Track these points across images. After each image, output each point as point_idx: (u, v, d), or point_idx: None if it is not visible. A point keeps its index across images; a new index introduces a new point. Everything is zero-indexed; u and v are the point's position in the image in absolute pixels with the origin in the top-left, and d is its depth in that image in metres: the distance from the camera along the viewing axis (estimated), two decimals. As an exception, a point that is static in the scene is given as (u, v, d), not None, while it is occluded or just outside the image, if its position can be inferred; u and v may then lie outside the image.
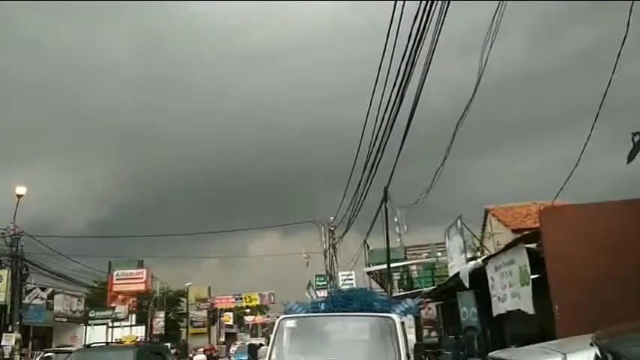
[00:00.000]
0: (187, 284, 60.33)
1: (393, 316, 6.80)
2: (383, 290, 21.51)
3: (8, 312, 26.81)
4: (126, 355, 11.14)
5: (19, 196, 26.69)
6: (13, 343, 25.79)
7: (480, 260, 11.59)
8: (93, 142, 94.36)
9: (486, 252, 15.51)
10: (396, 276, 24.98)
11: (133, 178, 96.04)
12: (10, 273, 27.01)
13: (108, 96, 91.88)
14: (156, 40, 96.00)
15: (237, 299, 63.83)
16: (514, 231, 19.04)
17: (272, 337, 7.16)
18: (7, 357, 25.38)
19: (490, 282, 10.42)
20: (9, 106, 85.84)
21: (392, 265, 20.54)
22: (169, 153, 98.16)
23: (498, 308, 10.08)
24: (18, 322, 26.91)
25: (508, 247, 9.43)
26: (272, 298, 62.97)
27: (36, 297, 30.56)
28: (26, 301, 28.57)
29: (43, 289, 31.47)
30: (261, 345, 29.91)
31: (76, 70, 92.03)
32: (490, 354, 6.94)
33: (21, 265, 27.50)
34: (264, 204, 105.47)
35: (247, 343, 37.50)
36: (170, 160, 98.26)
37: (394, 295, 18.53)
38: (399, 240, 21.84)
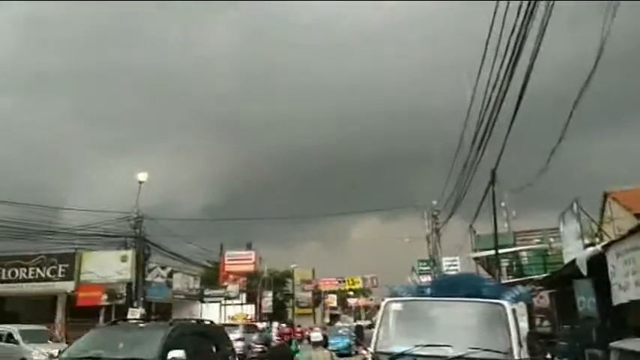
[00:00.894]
0: (293, 266, 62.32)
1: (504, 302, 6.55)
2: (490, 277, 20.77)
3: (133, 289, 29.39)
4: (154, 334, 8.65)
5: (141, 182, 28.98)
6: (138, 316, 28.21)
7: (599, 246, 10.75)
8: (206, 130, 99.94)
9: (606, 238, 14.38)
10: (504, 262, 23.97)
11: (242, 164, 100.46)
12: (134, 253, 29.58)
13: (218, 85, 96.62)
14: (256, 31, 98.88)
15: (340, 282, 64.90)
16: (637, 215, 17.49)
17: (378, 319, 7.18)
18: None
19: (610, 269, 9.64)
20: (133, 99, 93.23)
21: (500, 250, 19.74)
22: (276, 139, 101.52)
23: (619, 297, 9.30)
24: (142, 298, 29.38)
25: (632, 232, 8.66)
26: (375, 281, 63.24)
27: (157, 275, 33.05)
28: (149, 279, 30.99)
29: (163, 268, 33.94)
30: (369, 326, 30.33)
31: (191, 64, 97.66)
32: (612, 344, 6.47)
33: (144, 245, 29.94)
34: (366, 188, 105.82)
35: (354, 325, 37.76)
36: (277, 146, 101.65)
37: (502, 282, 17.83)
38: (506, 225, 20.95)
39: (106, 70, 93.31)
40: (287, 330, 41.20)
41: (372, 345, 6.76)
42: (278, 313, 54.26)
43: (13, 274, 29.99)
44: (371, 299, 78.94)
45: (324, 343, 9.53)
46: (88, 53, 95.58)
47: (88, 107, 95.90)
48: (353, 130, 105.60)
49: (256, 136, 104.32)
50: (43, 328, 23.02)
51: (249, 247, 49.44)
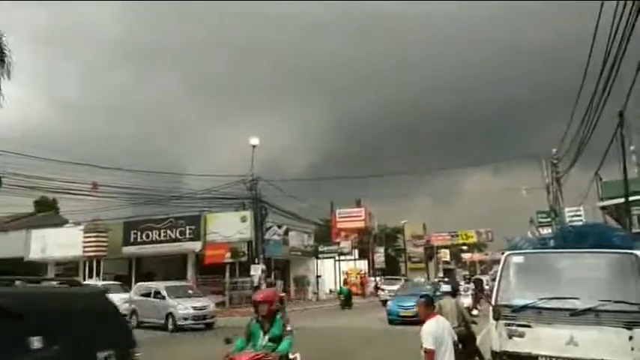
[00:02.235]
0: (403, 222, 62.23)
1: (637, 252, 6.09)
2: (621, 227, 19.26)
3: (254, 247, 31.17)
4: None
5: (254, 146, 30.31)
6: (259, 272, 29.99)
7: None
8: (313, 93, 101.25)
9: None
10: (635, 211, 22.06)
11: (348, 123, 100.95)
12: (252, 213, 31.22)
13: (321, 51, 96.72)
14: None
15: (452, 236, 63.83)
16: None
17: (498, 273, 7.01)
18: (256, 284, 29.69)
19: None
20: (247, 69, 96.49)
21: (631, 198, 18.16)
22: (385, 96, 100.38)
23: None
24: (262, 256, 31.12)
25: None
26: (489, 235, 61.37)
27: (274, 234, 34.63)
28: (266, 237, 32.63)
29: (279, 227, 35.50)
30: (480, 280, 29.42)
31: (294, 34, 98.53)
32: None
33: (260, 206, 31.48)
34: (474, 141, 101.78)
35: (475, 277, 36.68)
36: (384, 103, 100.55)
37: (634, 232, 16.50)
38: (637, 170, 19.21)
39: (213, 43, 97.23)
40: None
41: (493, 298, 6.65)
42: (390, 268, 54.77)
43: (147, 236, 32.99)
44: (486, 254, 76.88)
45: (453, 293, 9.96)
46: (199, 28, 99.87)
47: (199, 80, 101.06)
48: (461, 80, 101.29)
49: (369, 96, 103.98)
50: (185, 283, 24.69)
51: (358, 204, 50.03)
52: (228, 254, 30.57)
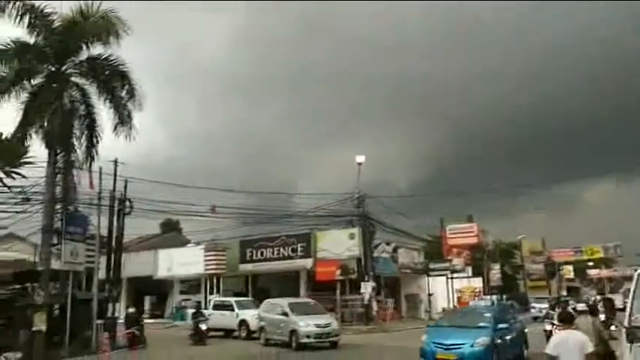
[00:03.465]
0: (520, 237, 59.01)
1: None
2: None
3: (363, 264, 31.21)
4: None
5: (360, 164, 30.59)
6: (369, 290, 29.91)
7: None
8: (410, 110, 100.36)
9: None
10: None
11: (454, 137, 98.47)
12: (360, 231, 31.37)
13: (421, 66, 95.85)
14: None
15: (576, 252, 59.37)
16: None
17: (631, 291, 6.48)
18: (366, 302, 29.64)
19: None
20: (345, 89, 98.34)
21: None
22: (489, 109, 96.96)
23: None
24: (372, 273, 31.06)
25: None
26: (618, 250, 56.32)
27: (383, 251, 34.51)
28: (375, 254, 32.55)
29: (387, 244, 35.29)
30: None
31: (382, 48, 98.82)
32: None
33: (368, 223, 31.56)
34: (589, 151, 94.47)
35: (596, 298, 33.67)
36: (489, 115, 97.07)
37: None
38: None
39: (309, 68, 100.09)
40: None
41: (626, 319, 6.14)
42: (507, 285, 52.02)
43: (261, 254, 34.42)
44: (615, 270, 70.43)
45: (591, 312, 9.47)
46: (292, 56, 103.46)
47: (302, 104, 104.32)
48: (570, 86, 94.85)
49: (460, 108, 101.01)
50: (309, 300, 24.13)
51: (469, 219, 48.29)
52: (339, 271, 30.87)
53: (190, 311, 26.82)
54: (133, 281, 36.62)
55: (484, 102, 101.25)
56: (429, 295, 39.34)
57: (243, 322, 23.77)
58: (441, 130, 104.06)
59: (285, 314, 19.70)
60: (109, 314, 21.55)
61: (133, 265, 34.52)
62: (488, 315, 13.98)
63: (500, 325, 12.99)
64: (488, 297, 38.75)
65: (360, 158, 30.78)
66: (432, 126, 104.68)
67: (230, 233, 35.72)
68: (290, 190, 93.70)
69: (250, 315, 23.30)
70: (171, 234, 47.93)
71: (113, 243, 23.76)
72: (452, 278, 40.94)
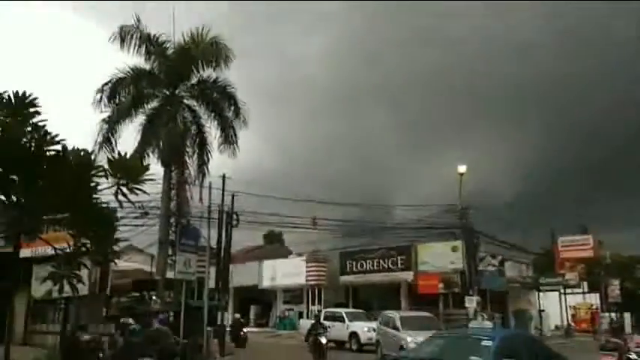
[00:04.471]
0: (643, 250, 54.05)
1: None
2: None
3: (467, 277, 30.16)
4: None
5: (461, 174, 29.72)
6: (474, 304, 28.81)
7: None
8: (509, 116, 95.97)
9: None
10: None
11: (553, 145, 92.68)
12: (463, 243, 30.39)
13: (529, 70, 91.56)
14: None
15: None
16: None
17: None
18: (471, 317, 28.54)
19: None
20: (448, 97, 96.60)
21: None
22: (614, 112, 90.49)
23: None
24: (476, 287, 29.91)
25: None
26: None
27: (488, 264, 33.13)
28: (480, 267, 31.32)
29: (493, 257, 33.84)
30: None
31: (483, 56, 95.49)
32: None
33: (472, 235, 30.52)
34: None
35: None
36: (613, 119, 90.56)
37: None
38: None
39: (409, 78, 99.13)
40: None
41: None
42: (630, 303, 47.69)
43: (361, 265, 34.47)
44: None
45: None
46: (393, 66, 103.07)
47: (399, 113, 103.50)
48: None
49: (574, 115, 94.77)
50: (425, 314, 21.37)
51: (584, 231, 45.12)
52: (441, 285, 30.11)
53: (302, 321, 27.03)
54: (239, 291, 38.19)
55: (606, 104, 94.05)
56: (540, 311, 37.10)
57: (353, 334, 23.69)
58: (551, 138, 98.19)
59: (395, 328, 18.46)
60: (219, 322, 22.64)
61: (240, 275, 36.08)
62: (487, 344, 8.43)
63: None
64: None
65: (462, 168, 29.90)
66: (544, 132, 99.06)
67: (330, 245, 36.23)
68: (389, 202, 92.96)
69: (360, 327, 23.23)
70: (274, 245, 49.47)
71: (222, 254, 24.99)
72: (565, 294, 38.42)
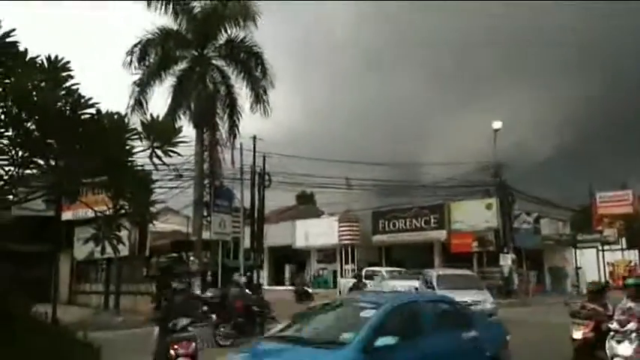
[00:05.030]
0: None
1: None
2: None
3: (501, 235, 29.82)
4: None
5: (496, 130, 29.05)
6: (509, 262, 28.63)
7: None
8: (554, 65, 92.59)
9: None
10: None
11: (595, 99, 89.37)
12: (498, 201, 29.94)
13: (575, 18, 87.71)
14: None
15: None
16: None
17: None
18: (506, 275, 28.40)
19: None
20: (481, 50, 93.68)
21: None
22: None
23: None
24: (511, 245, 29.61)
25: None
26: None
27: (523, 222, 32.64)
28: (515, 225, 30.89)
29: (528, 214, 33.32)
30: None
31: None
32: None
33: (506, 192, 30.01)
34: None
35: None
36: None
37: None
38: None
39: (442, 37, 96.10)
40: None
41: None
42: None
43: (394, 225, 34.40)
44: None
45: None
46: (422, 23, 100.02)
47: (430, 71, 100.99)
48: None
49: (607, 64, 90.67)
50: (466, 272, 20.60)
51: (623, 186, 43.97)
52: (475, 243, 29.90)
53: (341, 280, 27.08)
54: (274, 250, 38.80)
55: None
56: (577, 268, 36.62)
57: None
58: (592, 88, 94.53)
59: (432, 288, 17.13)
60: (254, 281, 23.11)
61: (273, 236, 36.54)
62: (368, 315, 6.08)
63: (384, 341, 5.41)
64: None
65: (497, 124, 29.20)
66: (583, 85, 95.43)
67: (362, 204, 36.19)
68: (422, 161, 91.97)
69: (400, 285, 23.34)
70: (306, 206, 49.79)
71: (255, 215, 25.27)
72: (603, 251, 37.73)
